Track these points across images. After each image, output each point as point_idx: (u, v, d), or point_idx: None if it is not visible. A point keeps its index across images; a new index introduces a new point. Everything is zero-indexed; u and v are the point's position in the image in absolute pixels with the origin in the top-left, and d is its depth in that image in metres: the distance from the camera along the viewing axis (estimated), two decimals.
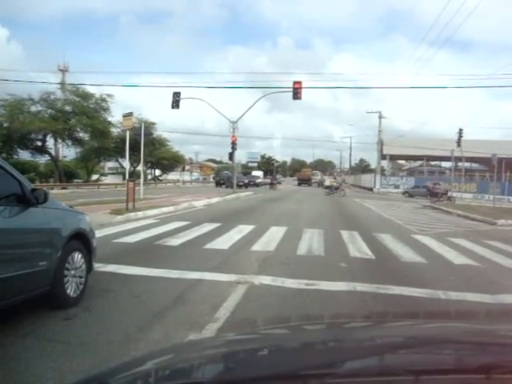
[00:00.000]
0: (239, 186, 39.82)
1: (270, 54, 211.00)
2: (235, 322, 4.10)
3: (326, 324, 2.24)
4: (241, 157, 65.80)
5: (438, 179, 44.03)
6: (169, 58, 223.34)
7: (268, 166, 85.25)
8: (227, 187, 39.67)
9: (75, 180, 44.73)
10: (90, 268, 4.90)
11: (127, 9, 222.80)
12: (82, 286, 4.63)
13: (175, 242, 8.73)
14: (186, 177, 68.59)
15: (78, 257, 4.61)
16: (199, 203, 19.46)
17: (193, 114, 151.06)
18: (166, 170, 61.14)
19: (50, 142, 38.44)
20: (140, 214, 13.53)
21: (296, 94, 27.12)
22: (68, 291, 4.36)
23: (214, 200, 22.17)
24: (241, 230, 10.64)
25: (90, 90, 37.29)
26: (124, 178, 44.86)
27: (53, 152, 39.52)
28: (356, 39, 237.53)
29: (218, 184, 47.25)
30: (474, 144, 40.98)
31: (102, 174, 56.35)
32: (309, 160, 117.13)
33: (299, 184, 61.26)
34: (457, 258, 8.20)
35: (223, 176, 50.75)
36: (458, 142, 37.50)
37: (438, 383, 0.96)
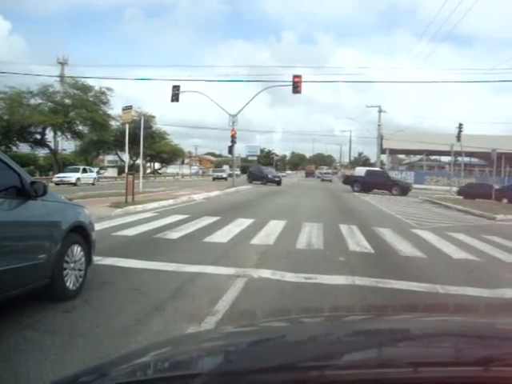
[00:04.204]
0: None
1: (272, 48, 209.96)
2: (234, 314, 4.11)
3: (326, 317, 2.24)
4: (240, 150, 65.77)
5: (437, 174, 43.79)
6: (170, 51, 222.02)
7: (268, 159, 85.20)
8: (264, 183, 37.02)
9: None
10: (89, 261, 4.91)
11: (128, 1, 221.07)
12: (81, 279, 4.64)
13: (174, 235, 8.74)
14: (186, 170, 68.61)
15: (77, 250, 4.61)
16: (199, 196, 19.47)
17: (193, 107, 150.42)
18: (165, 163, 61.13)
19: (49, 134, 38.49)
20: (139, 207, 13.54)
21: (296, 87, 27.05)
22: (67, 284, 4.37)
23: (214, 193, 22.18)
24: (240, 224, 10.64)
25: (90, 82, 37.28)
26: (120, 172, 44.84)
27: (52, 145, 39.50)
28: (357, 33, 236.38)
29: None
30: (474, 139, 40.91)
31: (102, 168, 56.32)
32: (308, 154, 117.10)
33: (306, 176, 75.28)
34: (456, 253, 8.22)
35: (258, 170, 43.94)
36: (458, 137, 37.50)
37: (437, 375, 0.96)
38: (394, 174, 39.83)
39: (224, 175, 48.47)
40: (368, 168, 37.19)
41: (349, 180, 33.95)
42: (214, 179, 47.29)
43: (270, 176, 39.95)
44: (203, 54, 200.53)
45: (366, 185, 30.71)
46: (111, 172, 51.02)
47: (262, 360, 1.12)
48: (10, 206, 3.76)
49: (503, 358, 0.99)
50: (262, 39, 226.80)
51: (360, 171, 33.96)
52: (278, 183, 37.74)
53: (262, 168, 46.74)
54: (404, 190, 30.02)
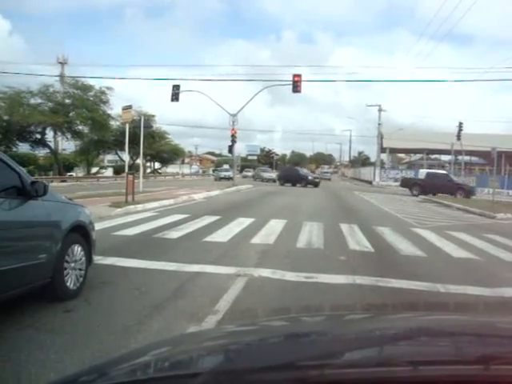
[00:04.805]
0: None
1: (272, 47, 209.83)
2: (235, 313, 4.11)
3: (326, 316, 2.25)
4: (240, 150, 65.72)
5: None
6: (170, 50, 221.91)
7: (268, 159, 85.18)
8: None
9: (68, 174, 44.17)
10: (89, 260, 4.91)
11: (128, 1, 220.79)
12: (81, 279, 4.64)
13: (175, 234, 8.74)
14: (186, 170, 68.65)
15: (77, 249, 4.62)
16: (199, 196, 19.46)
17: (193, 106, 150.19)
18: (165, 162, 61.09)
19: (49, 134, 38.40)
20: (139, 206, 13.53)
21: (296, 86, 27.07)
22: (68, 283, 4.37)
23: (214, 193, 22.18)
24: (240, 223, 10.64)
25: (90, 82, 37.21)
26: (117, 172, 44.56)
27: (52, 145, 39.46)
28: (357, 32, 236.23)
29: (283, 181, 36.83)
30: (474, 138, 40.93)
31: (102, 167, 56.31)
32: (308, 153, 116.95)
33: None
34: (456, 252, 8.22)
35: (289, 171, 39.82)
36: (458, 136, 37.58)
37: (438, 374, 0.96)
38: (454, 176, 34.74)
39: (231, 175, 41.38)
40: (428, 170, 33.61)
41: (407, 183, 31.09)
42: (220, 179, 42.76)
43: (310, 178, 36.30)
44: (203, 53, 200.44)
45: (427, 188, 28.03)
46: (106, 172, 50.88)
47: (263, 359, 1.12)
48: (11, 206, 3.76)
49: (503, 357, 0.99)
50: (262, 38, 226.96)
51: (421, 173, 31.08)
52: (316, 185, 34.72)
53: (297, 169, 41.76)
54: (469, 193, 27.28)
